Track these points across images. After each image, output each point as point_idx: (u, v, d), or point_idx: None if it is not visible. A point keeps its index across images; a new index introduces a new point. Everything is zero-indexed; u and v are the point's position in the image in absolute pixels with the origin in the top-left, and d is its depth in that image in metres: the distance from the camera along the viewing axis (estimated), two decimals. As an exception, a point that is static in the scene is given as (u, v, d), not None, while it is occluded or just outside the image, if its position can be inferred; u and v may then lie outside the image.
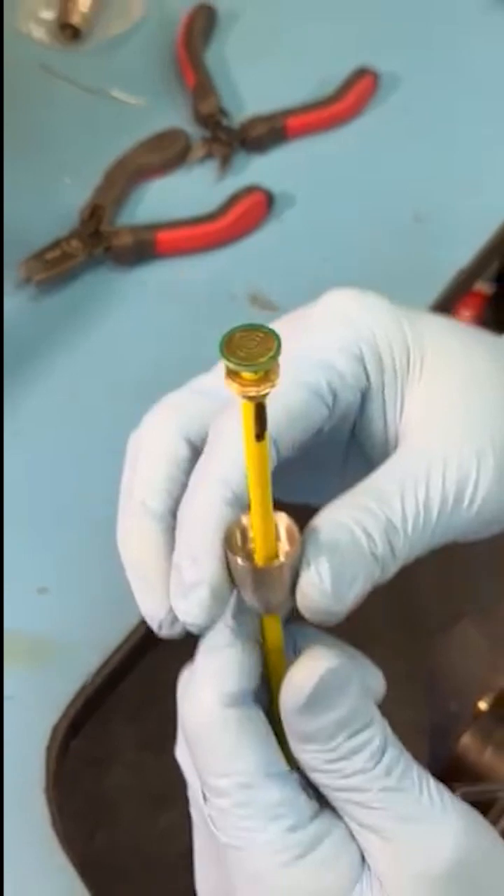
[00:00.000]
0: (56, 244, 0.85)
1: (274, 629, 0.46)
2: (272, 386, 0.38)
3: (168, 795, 0.94)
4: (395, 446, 0.50)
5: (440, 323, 0.53)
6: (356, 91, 0.93)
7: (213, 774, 0.45)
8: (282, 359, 0.38)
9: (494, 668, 0.89)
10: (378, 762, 0.45)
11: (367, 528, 0.45)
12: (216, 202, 0.88)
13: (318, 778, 0.46)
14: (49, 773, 0.69)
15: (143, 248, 0.86)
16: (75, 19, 0.95)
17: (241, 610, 0.45)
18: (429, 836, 0.45)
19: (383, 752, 0.45)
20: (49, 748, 0.69)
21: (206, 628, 0.45)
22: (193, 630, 0.45)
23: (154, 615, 0.47)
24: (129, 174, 0.89)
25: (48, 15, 0.96)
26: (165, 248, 0.86)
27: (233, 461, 0.45)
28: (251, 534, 0.43)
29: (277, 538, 0.43)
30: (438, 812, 0.46)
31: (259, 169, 0.91)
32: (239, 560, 0.43)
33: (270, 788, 0.45)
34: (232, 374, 0.38)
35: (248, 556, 0.43)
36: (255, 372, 0.37)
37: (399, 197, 0.91)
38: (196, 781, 0.47)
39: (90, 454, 0.79)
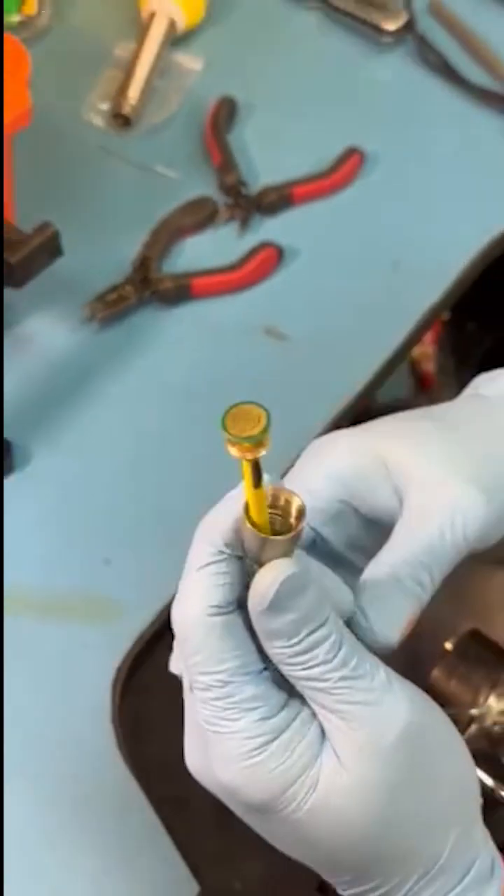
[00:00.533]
0: (113, 289, 0.85)
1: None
2: (265, 450, 0.39)
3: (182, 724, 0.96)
4: (400, 499, 0.50)
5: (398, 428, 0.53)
6: (347, 166, 0.93)
7: (199, 672, 0.44)
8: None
9: (457, 613, 0.90)
10: (336, 655, 0.44)
11: (405, 583, 0.47)
12: (238, 255, 0.88)
13: (285, 670, 0.44)
14: (114, 701, 0.69)
15: (181, 292, 0.86)
16: (126, 110, 0.93)
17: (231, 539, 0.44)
18: (380, 713, 0.44)
19: (340, 647, 0.44)
20: (114, 683, 0.70)
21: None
22: None
23: None
24: (170, 233, 0.89)
25: (105, 107, 0.94)
26: (199, 291, 0.86)
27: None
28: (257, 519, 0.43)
29: (289, 515, 0.42)
30: (389, 694, 0.44)
31: (271, 228, 0.91)
32: (249, 525, 0.42)
33: (247, 685, 0.44)
34: (232, 442, 0.39)
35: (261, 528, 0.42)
36: (251, 441, 0.39)
37: (381, 249, 0.90)
38: (186, 675, 0.46)
39: (142, 457, 0.79)
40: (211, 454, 0.77)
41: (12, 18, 0.97)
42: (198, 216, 0.90)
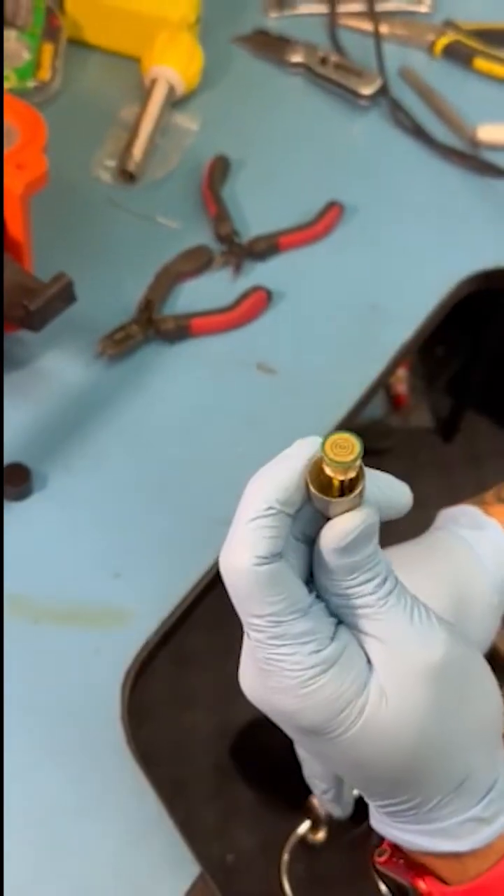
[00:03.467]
0: (121, 328, 0.84)
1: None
2: (354, 473, 0.42)
3: (189, 702, 0.96)
4: None
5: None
6: (328, 217, 0.93)
7: (250, 615, 0.44)
8: None
9: None
10: (381, 587, 0.44)
11: None
12: (231, 297, 0.88)
13: (337, 601, 0.45)
14: (123, 702, 0.69)
15: (181, 331, 0.86)
16: (131, 167, 0.93)
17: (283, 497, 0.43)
18: (420, 641, 0.45)
19: (385, 580, 0.44)
20: (123, 685, 0.70)
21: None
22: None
23: None
24: (170, 277, 0.88)
25: (111, 164, 0.94)
26: (197, 330, 0.86)
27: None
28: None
29: (354, 488, 0.43)
30: (427, 625, 0.45)
31: (261, 273, 0.91)
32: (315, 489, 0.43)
33: (297, 622, 0.43)
34: (329, 465, 0.42)
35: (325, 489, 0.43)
36: (344, 466, 0.42)
37: (359, 292, 0.90)
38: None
39: (147, 480, 0.79)
40: (210, 475, 0.79)
41: (27, 84, 0.97)
42: (196, 262, 0.90)
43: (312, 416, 0.83)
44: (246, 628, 0.45)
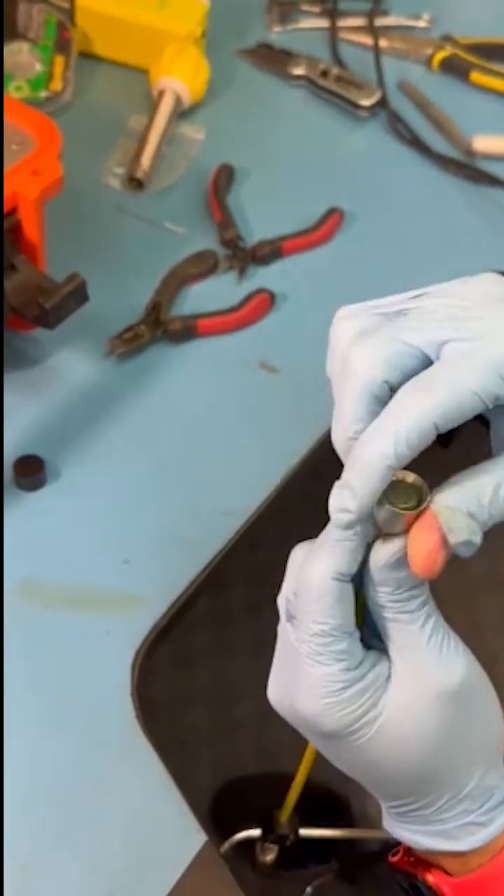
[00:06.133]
0: (129, 328, 0.85)
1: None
2: (417, 510, 0.45)
3: (191, 699, 0.96)
4: None
5: None
6: (329, 223, 0.95)
7: (312, 620, 0.47)
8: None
9: None
10: (422, 608, 0.48)
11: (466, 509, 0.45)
12: (236, 299, 0.89)
13: (382, 612, 0.48)
14: (133, 682, 0.70)
15: (187, 331, 0.87)
16: (139, 175, 0.95)
17: (365, 522, 0.46)
18: (444, 667, 0.48)
19: (425, 605, 0.48)
20: (132, 665, 0.71)
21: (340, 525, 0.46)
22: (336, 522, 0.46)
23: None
24: (177, 281, 0.90)
25: (121, 171, 0.96)
26: (203, 331, 0.87)
27: (400, 438, 0.44)
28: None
29: (419, 504, 0.45)
30: (453, 654, 0.49)
31: (264, 277, 0.92)
32: (387, 506, 0.46)
33: (342, 641, 0.47)
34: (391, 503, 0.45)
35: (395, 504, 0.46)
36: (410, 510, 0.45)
37: (359, 293, 0.80)
38: (285, 616, 0.49)
39: (154, 472, 0.80)
40: (214, 468, 0.81)
41: (40, 94, 0.99)
42: (201, 266, 0.91)
43: (312, 413, 0.83)
44: (287, 616, 0.49)
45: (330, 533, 0.47)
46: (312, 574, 0.47)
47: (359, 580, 0.49)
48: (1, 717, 0.68)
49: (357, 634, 0.49)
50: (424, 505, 0.46)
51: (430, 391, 0.44)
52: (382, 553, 0.47)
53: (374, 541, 0.48)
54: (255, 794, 0.95)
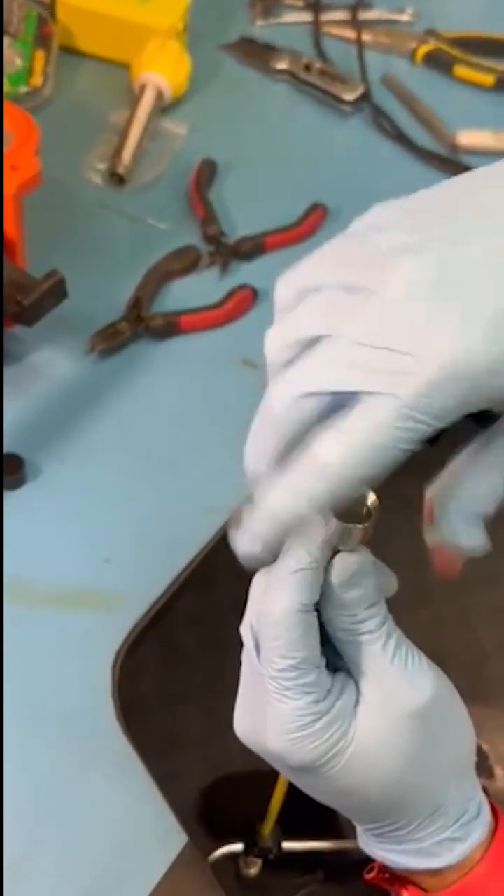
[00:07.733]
0: (111, 325, 0.85)
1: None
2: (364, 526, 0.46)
3: (180, 698, 0.95)
4: None
5: None
6: (311, 219, 0.95)
7: (277, 655, 0.46)
8: None
9: None
10: (381, 627, 0.47)
11: None
12: (218, 296, 0.89)
13: (343, 635, 0.48)
14: (114, 681, 0.70)
15: (169, 328, 0.86)
16: (121, 170, 0.94)
17: (322, 547, 0.46)
18: (410, 685, 0.48)
19: (384, 623, 0.47)
20: (113, 665, 0.71)
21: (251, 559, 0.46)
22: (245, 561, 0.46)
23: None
24: (159, 276, 0.89)
25: (102, 167, 0.95)
26: (185, 327, 0.87)
27: (311, 502, 0.43)
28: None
29: (369, 517, 0.46)
30: (419, 671, 0.48)
31: (247, 273, 0.92)
32: (337, 522, 0.45)
33: (310, 673, 0.47)
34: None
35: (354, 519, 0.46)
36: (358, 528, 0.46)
37: None
38: (251, 646, 0.48)
39: (136, 469, 0.80)
40: (196, 464, 0.81)
41: (20, 89, 0.98)
42: (184, 262, 0.91)
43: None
44: (255, 648, 0.48)
45: (286, 564, 0.46)
46: (275, 609, 0.46)
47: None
48: (1, 717, 0.68)
49: (323, 662, 0.48)
50: (374, 517, 0.46)
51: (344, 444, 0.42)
52: (339, 570, 0.47)
53: (331, 558, 0.47)
54: (244, 793, 0.94)
